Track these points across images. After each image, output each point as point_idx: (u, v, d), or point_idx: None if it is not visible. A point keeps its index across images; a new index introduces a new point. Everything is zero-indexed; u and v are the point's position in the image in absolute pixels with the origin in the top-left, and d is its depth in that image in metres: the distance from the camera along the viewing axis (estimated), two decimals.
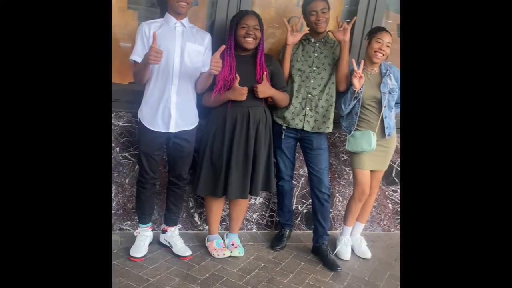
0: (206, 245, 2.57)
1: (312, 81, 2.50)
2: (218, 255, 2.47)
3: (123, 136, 2.50)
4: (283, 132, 2.55)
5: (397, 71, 2.59)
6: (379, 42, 2.45)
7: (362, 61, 2.46)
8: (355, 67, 2.38)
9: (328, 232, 2.71)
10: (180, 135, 2.25)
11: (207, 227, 2.64)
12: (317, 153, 2.57)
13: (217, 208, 2.52)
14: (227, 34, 2.37)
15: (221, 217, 2.74)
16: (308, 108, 2.51)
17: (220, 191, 2.36)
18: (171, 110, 2.18)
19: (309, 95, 2.50)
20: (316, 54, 2.51)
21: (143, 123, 2.21)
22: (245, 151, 2.33)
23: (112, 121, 2.45)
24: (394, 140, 2.66)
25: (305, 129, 2.51)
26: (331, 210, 2.94)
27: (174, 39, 2.16)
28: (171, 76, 2.16)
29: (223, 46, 2.09)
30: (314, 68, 2.50)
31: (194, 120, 2.31)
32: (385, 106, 2.50)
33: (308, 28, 2.53)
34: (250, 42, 2.26)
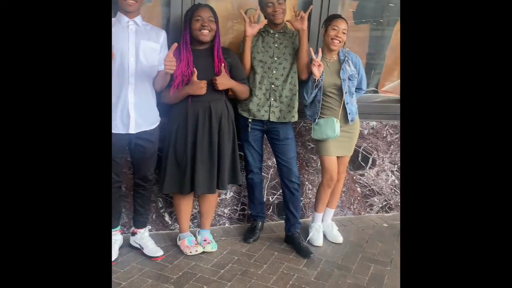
0: (178, 243, 2.56)
1: (274, 72, 2.51)
2: (190, 252, 2.46)
3: None
4: (249, 124, 2.55)
5: (355, 57, 2.63)
6: (335, 29, 2.47)
7: (320, 50, 2.49)
8: (314, 56, 2.40)
9: (300, 220, 2.74)
10: (141, 135, 2.22)
11: (178, 226, 2.62)
12: (285, 143, 2.59)
13: (186, 205, 2.51)
14: (182, 29, 2.34)
15: (192, 215, 2.73)
16: (272, 99, 2.52)
17: (187, 188, 2.34)
18: (130, 110, 2.15)
19: (273, 86, 2.51)
20: (276, 45, 2.52)
21: None
22: (209, 145, 2.32)
23: None
24: (357, 126, 2.71)
25: (271, 119, 2.53)
26: (301, 198, 2.98)
27: (128, 38, 2.12)
28: (127, 75, 2.12)
29: (175, 44, 2.08)
30: (276, 59, 2.51)
31: (154, 119, 2.29)
32: (346, 93, 2.54)
33: (266, 20, 2.53)
34: (205, 34, 2.25)
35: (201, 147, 2.30)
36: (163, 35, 2.25)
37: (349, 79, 2.55)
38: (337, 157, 2.67)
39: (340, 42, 2.49)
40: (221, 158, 2.36)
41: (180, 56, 2.22)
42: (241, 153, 2.73)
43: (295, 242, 2.66)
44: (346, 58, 2.57)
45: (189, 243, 2.49)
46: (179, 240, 2.56)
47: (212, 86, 2.29)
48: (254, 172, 2.70)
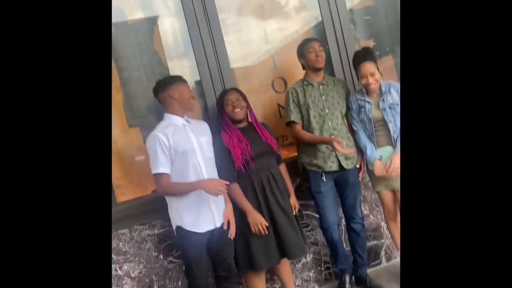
0: None
1: (330, 123, 2.52)
2: None
3: (162, 243, 2.55)
4: (323, 175, 2.53)
5: (398, 84, 2.52)
6: (363, 78, 2.45)
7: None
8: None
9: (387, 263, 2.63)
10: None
11: None
12: (353, 187, 2.61)
13: (263, 285, 2.41)
14: (219, 117, 2.45)
15: None
16: None
17: (278, 256, 2.30)
18: (211, 205, 2.15)
19: (333, 136, 2.48)
20: (323, 97, 2.54)
21: (187, 229, 2.11)
22: (283, 209, 2.33)
23: (147, 232, 2.52)
24: None
25: (344, 167, 2.52)
26: (382, 241, 2.86)
27: (189, 137, 2.15)
28: (200, 174, 2.13)
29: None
30: (327, 111, 2.53)
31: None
32: (390, 122, 2.45)
33: (305, 72, 2.62)
34: (238, 113, 2.38)
35: (276, 213, 2.31)
36: (206, 126, 2.35)
37: (390, 107, 2.45)
38: (395, 192, 2.53)
39: (374, 84, 2.46)
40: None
41: (231, 140, 2.31)
42: (307, 212, 2.74)
43: (363, 283, 2.62)
44: (388, 88, 2.49)
45: None
46: None
47: (270, 154, 2.39)
48: (332, 228, 2.58)
